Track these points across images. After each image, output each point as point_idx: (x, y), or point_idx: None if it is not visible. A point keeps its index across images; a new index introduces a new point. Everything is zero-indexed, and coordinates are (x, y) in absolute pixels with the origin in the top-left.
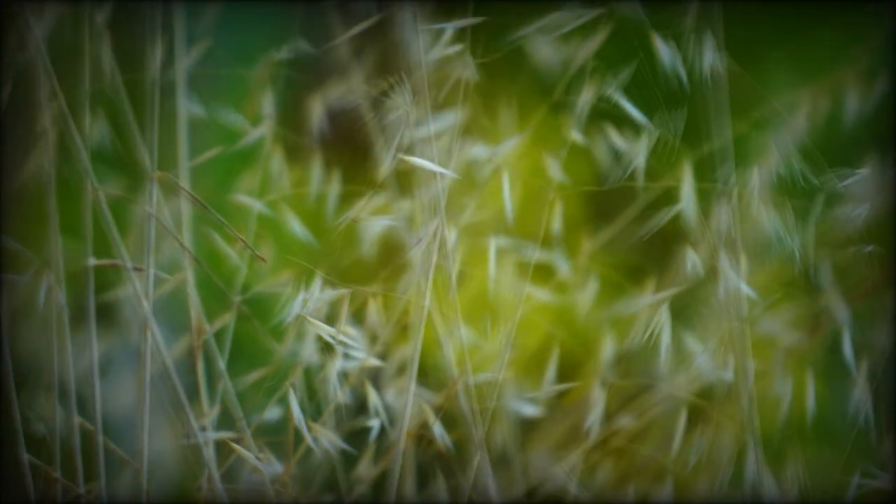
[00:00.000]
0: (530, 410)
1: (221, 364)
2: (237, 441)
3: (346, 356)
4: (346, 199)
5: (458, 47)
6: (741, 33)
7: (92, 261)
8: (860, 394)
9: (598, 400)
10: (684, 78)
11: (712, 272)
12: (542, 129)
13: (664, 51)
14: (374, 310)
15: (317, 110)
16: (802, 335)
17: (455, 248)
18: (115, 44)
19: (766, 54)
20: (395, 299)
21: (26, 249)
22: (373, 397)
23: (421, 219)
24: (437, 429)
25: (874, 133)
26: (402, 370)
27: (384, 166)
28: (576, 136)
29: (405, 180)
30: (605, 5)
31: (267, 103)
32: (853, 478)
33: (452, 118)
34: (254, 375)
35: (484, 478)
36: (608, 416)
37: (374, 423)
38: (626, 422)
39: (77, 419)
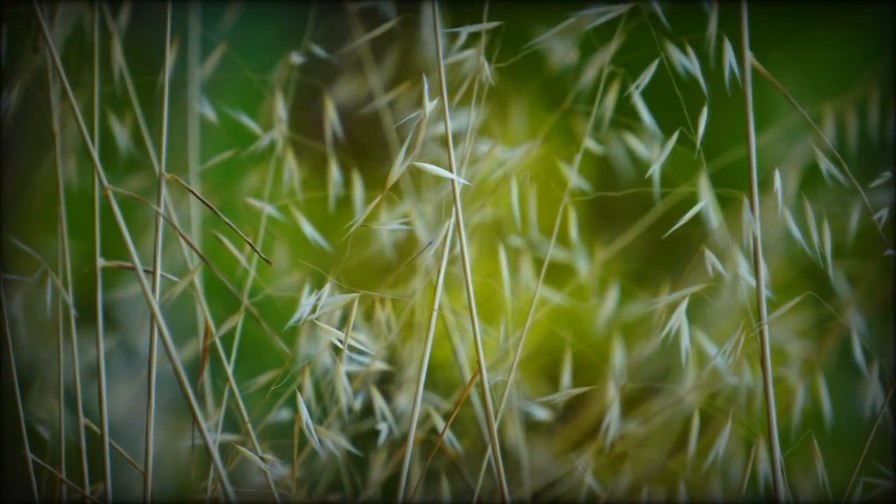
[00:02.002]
0: (542, 413)
1: (228, 366)
2: (243, 443)
3: (355, 360)
4: (360, 201)
5: (475, 50)
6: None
7: (102, 262)
8: (872, 397)
9: (612, 403)
10: (703, 83)
11: (732, 276)
12: (559, 134)
13: (682, 56)
14: (383, 313)
15: (330, 113)
16: (817, 340)
17: (467, 252)
18: (128, 45)
19: (766, 54)
20: (406, 302)
21: (33, 250)
22: (379, 401)
23: (433, 220)
24: (447, 433)
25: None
26: (412, 374)
27: (397, 170)
28: (593, 141)
29: (419, 179)
30: (625, 6)
31: (280, 106)
32: (862, 479)
33: (468, 121)
34: (261, 378)
35: (494, 480)
36: (622, 418)
37: (382, 427)
38: (635, 425)
39: (83, 420)
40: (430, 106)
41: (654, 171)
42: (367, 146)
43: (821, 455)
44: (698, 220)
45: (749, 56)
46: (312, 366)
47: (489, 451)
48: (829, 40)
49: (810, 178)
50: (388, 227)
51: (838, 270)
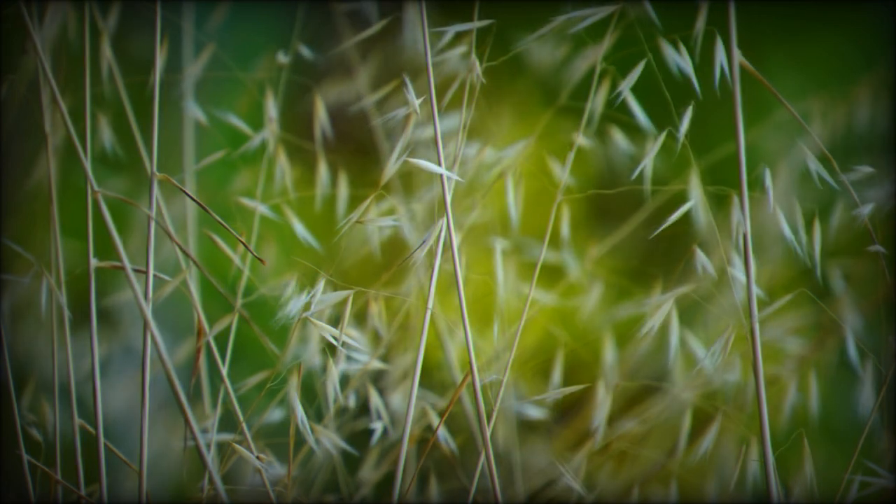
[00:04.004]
0: (535, 412)
1: (222, 366)
2: (239, 443)
3: (349, 358)
4: (351, 201)
5: (463, 49)
6: (742, 33)
7: (94, 263)
8: (866, 396)
9: (603, 402)
10: (694, 81)
11: (722, 274)
12: (549, 132)
13: (673, 53)
14: (377, 312)
15: (320, 113)
16: (811, 340)
17: (460, 251)
18: (118, 45)
19: (767, 54)
20: (399, 301)
21: (27, 251)
22: (375, 400)
23: (425, 221)
24: (441, 431)
25: (883, 134)
26: (405, 373)
27: (389, 168)
28: (583, 139)
29: (410, 182)
30: (614, 5)
31: (270, 106)
32: (857, 477)
33: (458, 120)
34: (256, 377)
35: (487, 480)
36: (614, 418)
37: (377, 426)
38: (631, 424)
39: (78, 421)
40: (416, 104)
41: (643, 168)
42: (359, 145)
43: (810, 453)
44: (692, 217)
45: (737, 55)
46: (306, 364)
47: (483, 451)
48: (829, 40)
49: (809, 176)
50: (379, 224)
51: (833, 268)
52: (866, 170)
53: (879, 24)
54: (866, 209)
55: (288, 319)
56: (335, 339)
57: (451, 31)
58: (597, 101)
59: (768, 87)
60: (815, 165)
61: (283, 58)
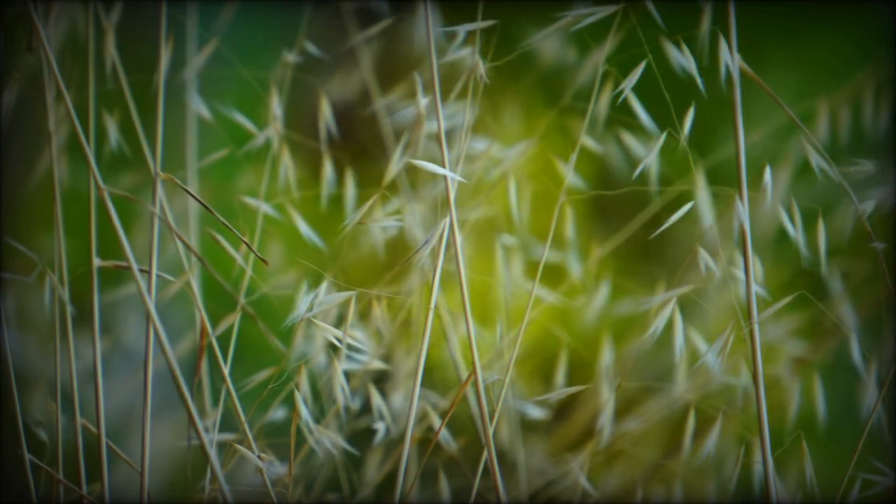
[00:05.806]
0: (537, 412)
1: (225, 366)
2: (240, 442)
3: (352, 358)
4: (356, 200)
5: (469, 49)
6: (742, 34)
7: (98, 262)
8: (868, 397)
9: (607, 402)
10: (699, 81)
11: (725, 274)
12: (553, 132)
13: (678, 54)
14: (379, 311)
15: (326, 111)
16: (813, 341)
17: (463, 250)
18: (124, 44)
19: (767, 54)
20: (402, 301)
21: (30, 250)
22: (376, 399)
23: (428, 218)
24: (443, 431)
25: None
26: (407, 372)
27: (393, 168)
28: (588, 139)
29: (414, 180)
30: (618, 5)
31: (275, 104)
32: (860, 475)
33: (461, 117)
34: (258, 376)
35: (490, 479)
36: (617, 418)
37: (379, 426)
38: (631, 424)
39: (80, 420)
40: (423, 103)
41: (645, 169)
42: (364, 144)
43: (809, 454)
44: (693, 217)
45: (737, 59)
46: (309, 364)
47: (485, 450)
48: (830, 40)
49: (809, 176)
50: (383, 225)
51: (833, 268)
52: (867, 165)
53: (880, 24)
54: (867, 207)
55: (291, 321)
56: (338, 340)
57: (457, 31)
58: (600, 102)
59: (768, 91)
60: (816, 160)
61: (291, 57)
